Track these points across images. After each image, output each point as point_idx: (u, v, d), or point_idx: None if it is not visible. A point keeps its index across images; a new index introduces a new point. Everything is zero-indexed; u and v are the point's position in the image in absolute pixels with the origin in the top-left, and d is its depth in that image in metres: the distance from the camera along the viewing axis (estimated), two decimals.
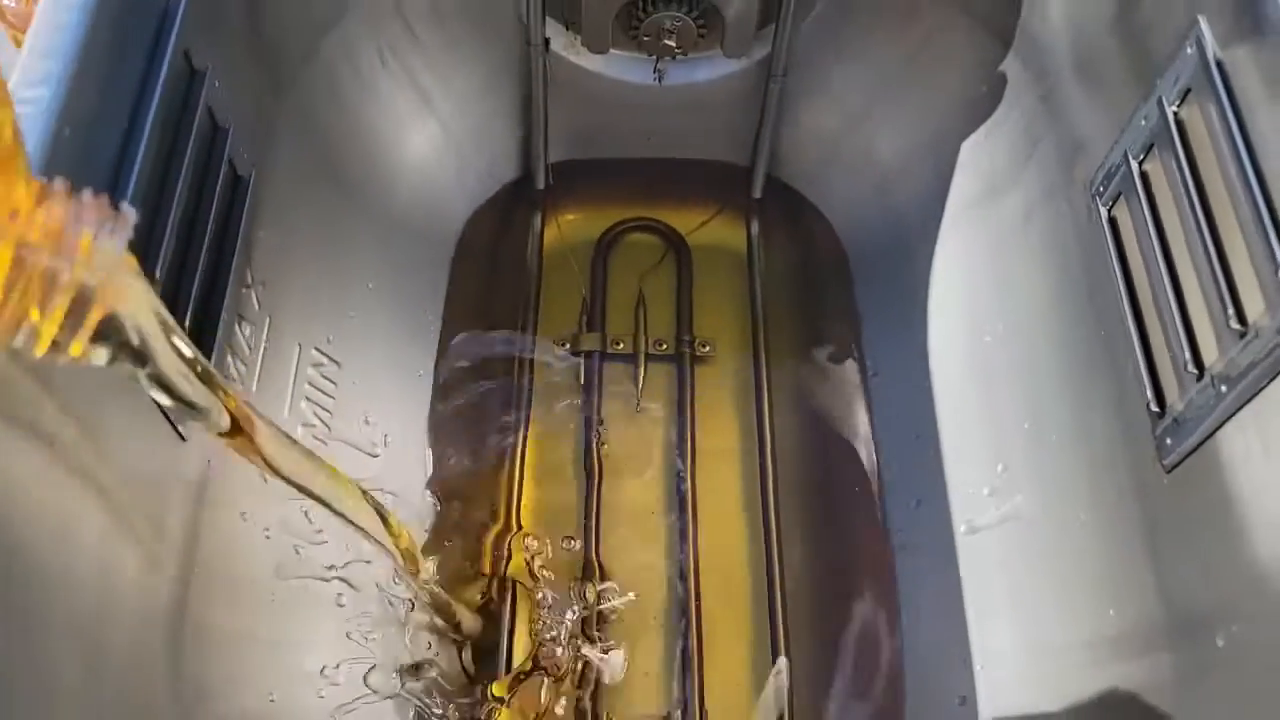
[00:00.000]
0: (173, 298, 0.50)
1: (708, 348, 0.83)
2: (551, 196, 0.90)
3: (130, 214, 0.33)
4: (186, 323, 0.51)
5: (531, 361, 0.81)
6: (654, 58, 0.80)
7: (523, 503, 0.74)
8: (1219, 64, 0.50)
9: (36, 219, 0.30)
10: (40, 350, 0.32)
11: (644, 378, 0.81)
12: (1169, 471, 0.53)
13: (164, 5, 0.49)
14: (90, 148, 0.42)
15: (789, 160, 0.89)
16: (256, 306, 0.60)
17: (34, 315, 0.31)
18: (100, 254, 0.32)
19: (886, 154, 0.82)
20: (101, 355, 0.34)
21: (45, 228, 0.30)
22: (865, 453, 0.76)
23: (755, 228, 0.90)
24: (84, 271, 0.31)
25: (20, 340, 0.32)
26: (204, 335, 0.53)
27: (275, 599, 0.59)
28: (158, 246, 0.47)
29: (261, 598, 0.58)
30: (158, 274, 0.47)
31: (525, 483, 0.74)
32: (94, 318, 0.32)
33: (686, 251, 0.89)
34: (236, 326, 0.58)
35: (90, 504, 0.43)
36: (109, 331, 0.34)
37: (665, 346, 0.83)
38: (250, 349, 0.59)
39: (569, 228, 0.89)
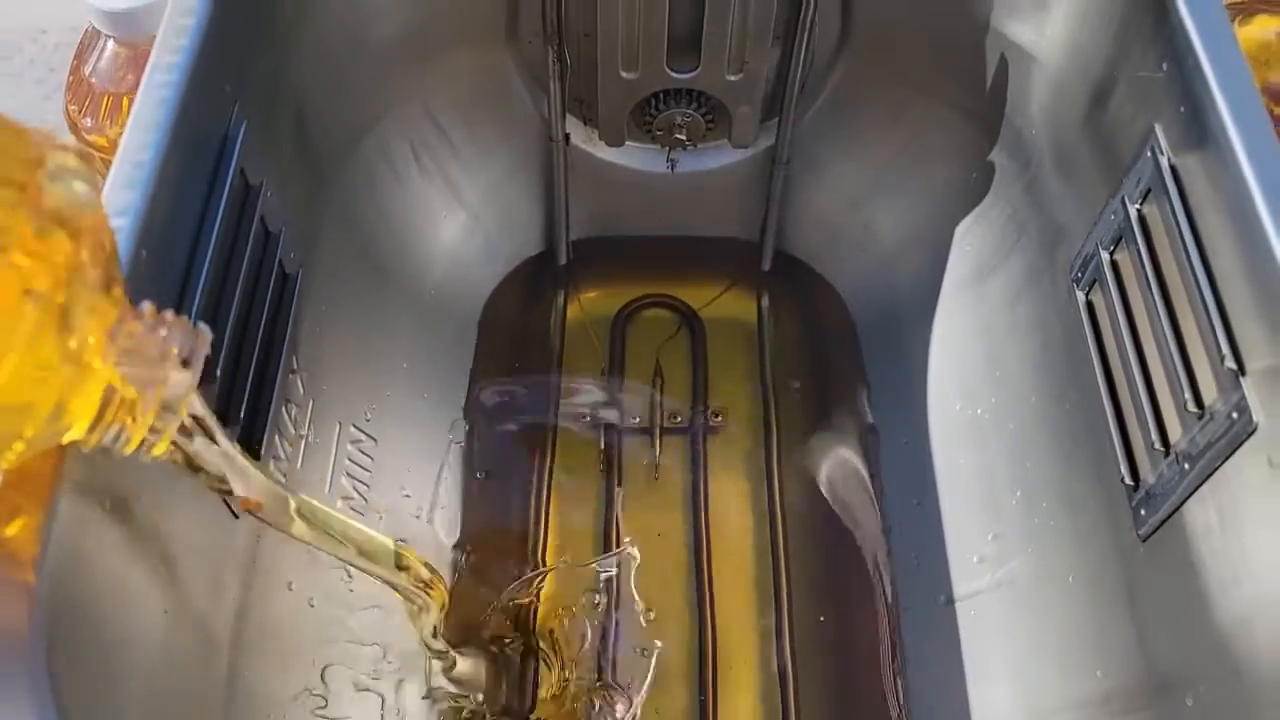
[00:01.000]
0: (228, 389, 0.56)
1: (720, 418, 0.88)
2: (572, 274, 0.95)
3: (207, 333, 0.39)
4: (242, 410, 0.56)
5: (555, 433, 0.86)
6: (666, 149, 0.87)
7: (547, 559, 0.79)
8: (1173, 169, 0.55)
9: (131, 343, 0.36)
10: (129, 450, 0.38)
11: (660, 449, 0.86)
12: (1144, 541, 0.57)
13: (224, 132, 0.55)
14: (162, 266, 0.48)
15: (795, 237, 0.94)
16: (301, 391, 0.66)
17: (124, 421, 0.37)
18: (185, 370, 0.37)
19: (886, 235, 0.88)
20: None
21: (139, 351, 0.36)
22: (870, 516, 0.81)
23: (765, 300, 0.95)
24: (171, 387, 0.37)
25: (109, 440, 0.37)
26: (257, 421, 0.59)
27: (315, 664, 0.64)
28: (218, 345, 0.53)
29: (305, 663, 0.63)
30: (217, 370, 0.52)
31: (548, 548, 0.79)
32: (175, 424, 0.38)
33: (700, 325, 0.94)
34: (283, 409, 0.63)
35: (156, 578, 0.49)
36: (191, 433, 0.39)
37: (680, 419, 0.88)
38: (296, 430, 0.65)
39: (589, 304, 0.95)
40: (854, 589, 0.78)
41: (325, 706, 0.63)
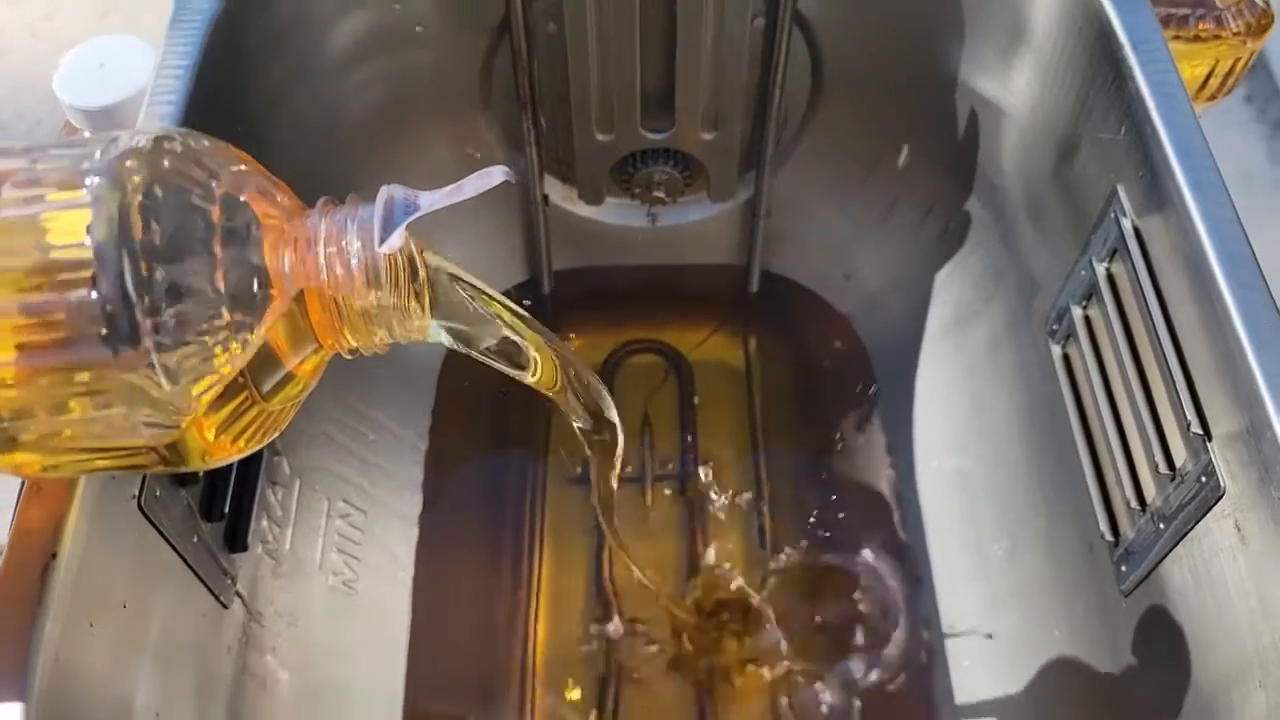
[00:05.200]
0: (211, 478, 0.57)
1: (711, 464, 0.88)
2: (557, 326, 0.96)
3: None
4: (228, 495, 0.57)
5: (544, 488, 0.86)
6: (647, 205, 0.87)
7: (540, 624, 0.79)
8: (1136, 231, 0.55)
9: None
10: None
11: (652, 498, 0.86)
12: (1126, 596, 0.58)
13: None
14: None
15: (777, 286, 0.95)
16: (287, 471, 0.67)
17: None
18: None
19: (869, 282, 0.88)
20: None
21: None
22: (860, 561, 0.81)
23: (752, 345, 0.96)
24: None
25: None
26: (243, 505, 0.60)
27: None
28: None
29: None
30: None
31: (541, 612, 0.80)
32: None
33: (688, 369, 0.94)
34: (269, 492, 0.64)
35: (146, 675, 0.49)
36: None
37: (671, 466, 0.88)
38: (283, 511, 0.66)
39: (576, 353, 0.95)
40: (849, 637, 0.78)
41: None
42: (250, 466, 0.60)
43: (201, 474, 0.53)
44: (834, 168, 0.84)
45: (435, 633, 0.76)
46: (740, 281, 0.94)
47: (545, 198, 0.86)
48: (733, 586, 0.81)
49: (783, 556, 0.82)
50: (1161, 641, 0.54)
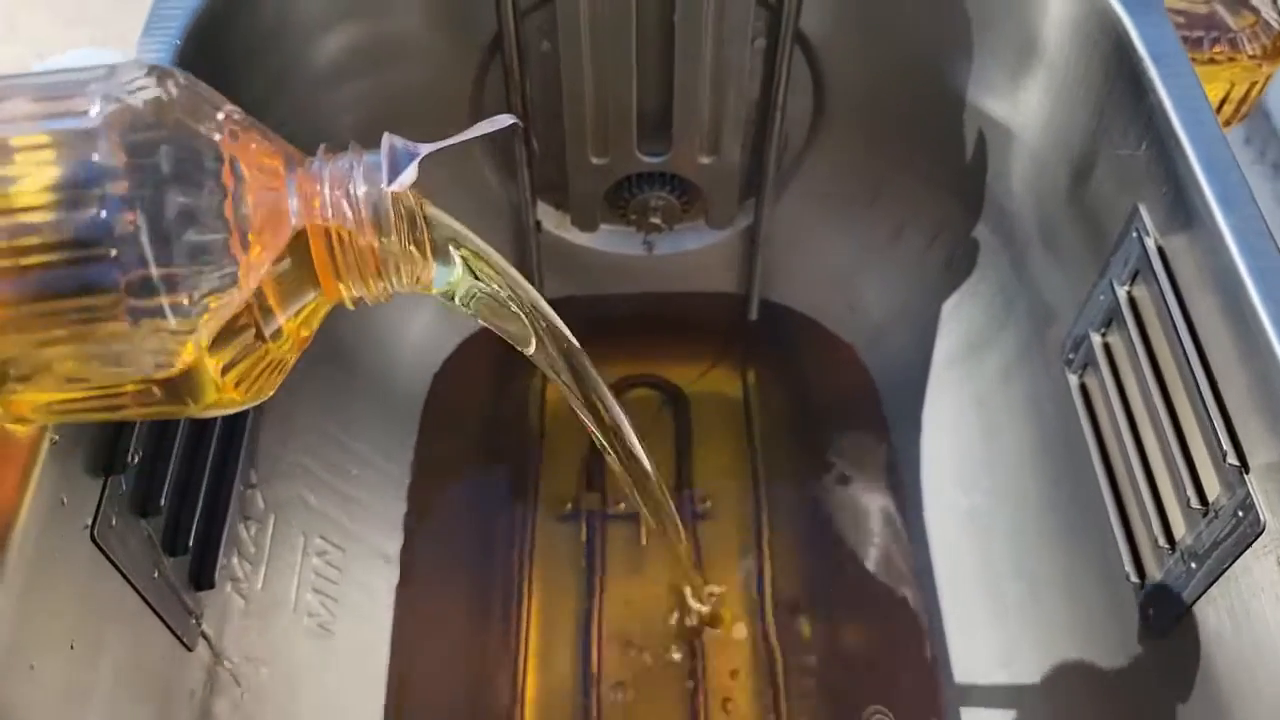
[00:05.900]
0: (177, 509, 0.53)
1: (708, 502, 0.84)
2: None
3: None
4: (193, 528, 0.53)
5: (533, 526, 0.83)
6: (642, 232, 0.84)
7: (529, 665, 0.75)
8: (1160, 250, 0.52)
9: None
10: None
11: (647, 537, 0.82)
12: (1154, 642, 0.54)
13: None
14: None
15: (777, 316, 0.92)
16: (262, 505, 0.63)
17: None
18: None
19: (874, 311, 0.85)
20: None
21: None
22: (866, 605, 0.77)
23: (750, 378, 0.92)
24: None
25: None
26: (210, 538, 0.56)
27: None
28: (164, 468, 0.50)
29: None
30: (162, 500, 0.50)
31: (530, 659, 0.76)
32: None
33: (685, 402, 0.91)
34: (241, 527, 0.60)
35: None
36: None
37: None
38: (256, 547, 0.62)
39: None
40: (849, 681, 0.74)
41: None
42: (218, 497, 0.56)
43: (164, 504, 0.49)
44: (837, 193, 0.82)
45: (416, 679, 0.72)
46: (739, 311, 0.91)
47: (538, 224, 0.83)
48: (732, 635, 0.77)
49: (784, 600, 0.78)
50: (1195, 689, 0.50)
